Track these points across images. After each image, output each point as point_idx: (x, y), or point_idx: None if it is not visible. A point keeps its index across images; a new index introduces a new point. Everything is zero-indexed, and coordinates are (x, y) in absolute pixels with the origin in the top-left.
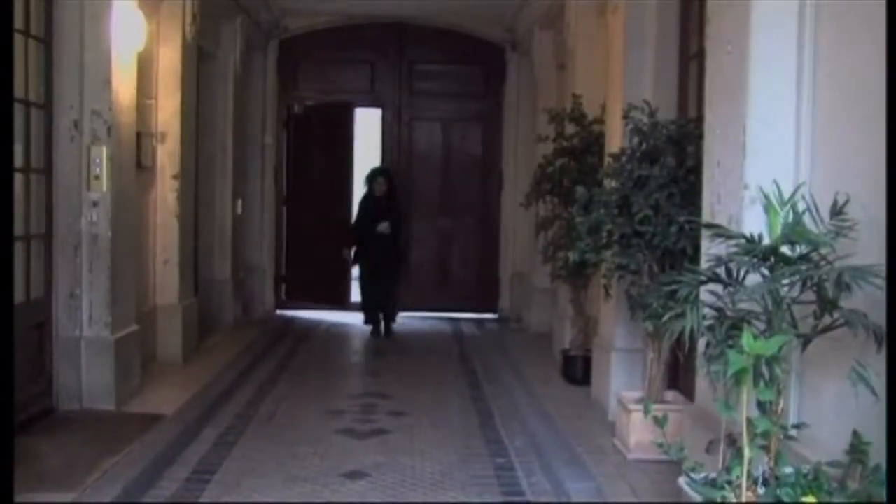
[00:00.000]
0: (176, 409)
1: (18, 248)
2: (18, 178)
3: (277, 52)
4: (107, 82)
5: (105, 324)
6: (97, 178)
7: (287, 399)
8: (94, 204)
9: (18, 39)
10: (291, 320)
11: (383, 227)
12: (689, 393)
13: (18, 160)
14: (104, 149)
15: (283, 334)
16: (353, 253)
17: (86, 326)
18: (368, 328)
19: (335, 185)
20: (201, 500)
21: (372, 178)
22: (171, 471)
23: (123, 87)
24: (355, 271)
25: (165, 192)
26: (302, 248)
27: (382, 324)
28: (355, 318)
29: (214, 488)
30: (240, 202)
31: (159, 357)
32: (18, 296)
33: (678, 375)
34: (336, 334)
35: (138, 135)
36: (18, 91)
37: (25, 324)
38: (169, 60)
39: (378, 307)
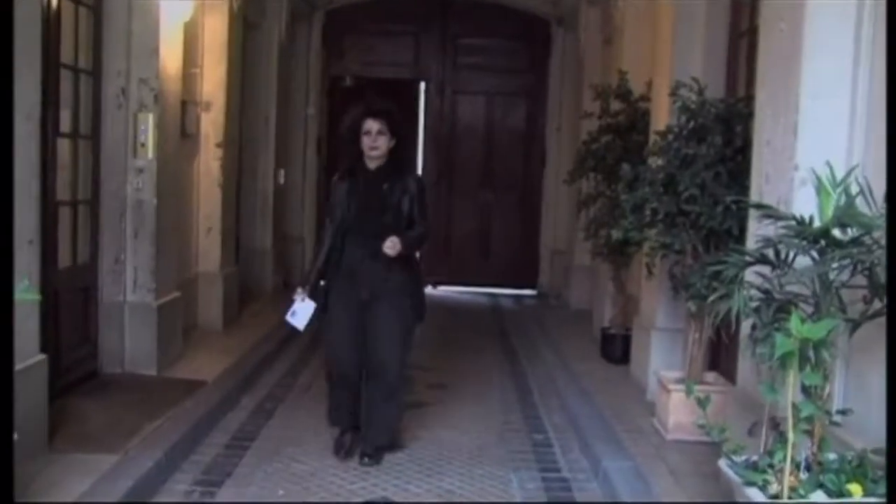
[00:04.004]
0: (216, 376)
1: (65, 213)
2: (66, 144)
3: (322, 23)
4: (154, 51)
5: (148, 290)
6: (143, 145)
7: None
8: (140, 171)
9: (69, 6)
10: None
11: (388, 245)
12: (728, 374)
13: (66, 126)
14: (150, 116)
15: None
16: (308, 293)
17: (130, 292)
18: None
19: None
20: (240, 465)
21: (355, 125)
22: (210, 436)
23: (170, 55)
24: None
25: (209, 161)
26: None
27: (366, 436)
28: None
29: (253, 455)
30: (282, 172)
31: (200, 324)
32: (65, 260)
33: (718, 356)
34: None
35: (183, 103)
36: (68, 57)
37: (71, 288)
38: (215, 30)
39: (355, 408)
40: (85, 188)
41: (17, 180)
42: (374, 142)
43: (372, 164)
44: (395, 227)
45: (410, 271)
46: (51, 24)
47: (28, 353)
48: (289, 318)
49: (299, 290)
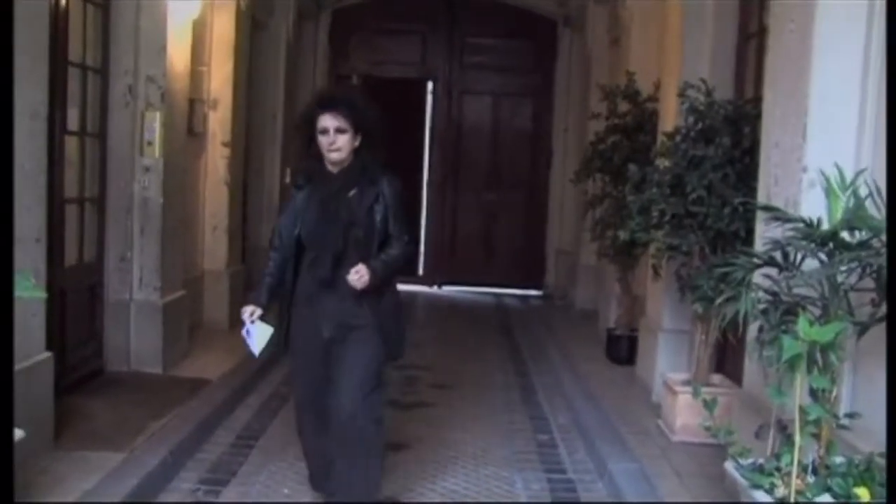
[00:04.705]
0: (221, 375)
1: (72, 211)
2: (73, 142)
3: (329, 22)
4: (162, 49)
5: (154, 288)
6: (150, 143)
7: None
8: (147, 169)
9: (77, 4)
10: None
11: (354, 277)
12: (734, 377)
13: (74, 124)
14: (158, 115)
15: None
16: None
17: (136, 290)
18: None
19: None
20: (246, 464)
21: (309, 122)
22: (215, 435)
23: (178, 53)
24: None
25: (216, 159)
26: None
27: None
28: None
29: (258, 454)
30: (289, 171)
31: (206, 322)
32: (71, 258)
33: (724, 358)
34: None
35: (191, 101)
36: (76, 55)
37: (77, 286)
38: (223, 28)
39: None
40: (92, 186)
41: (24, 178)
42: (333, 142)
43: (334, 168)
44: (366, 245)
45: (387, 299)
46: (59, 22)
47: (34, 351)
48: (245, 335)
49: (251, 307)
